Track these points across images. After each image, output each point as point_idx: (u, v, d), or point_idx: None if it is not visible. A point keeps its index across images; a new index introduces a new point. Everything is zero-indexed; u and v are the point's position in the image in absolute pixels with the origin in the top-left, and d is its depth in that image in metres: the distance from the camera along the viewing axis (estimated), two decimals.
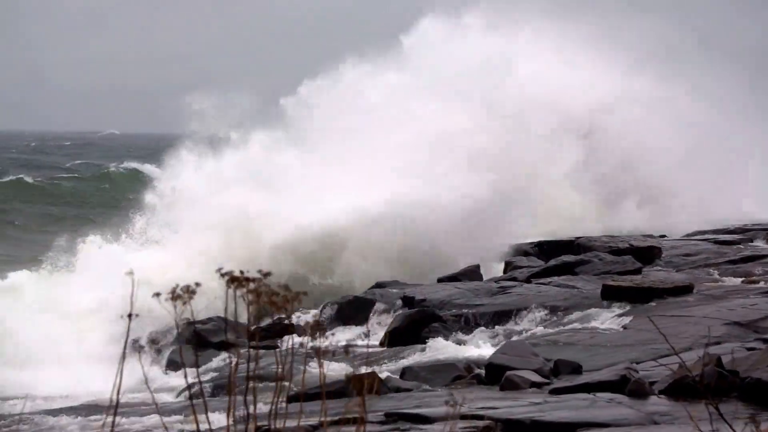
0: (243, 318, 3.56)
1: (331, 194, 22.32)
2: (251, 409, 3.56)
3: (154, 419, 11.15)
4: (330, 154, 24.66)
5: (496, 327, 14.85)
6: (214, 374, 14.26)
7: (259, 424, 3.63)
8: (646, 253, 19.00)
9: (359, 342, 15.67)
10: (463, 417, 8.26)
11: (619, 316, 14.10)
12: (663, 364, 10.29)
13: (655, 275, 17.04)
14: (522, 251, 20.57)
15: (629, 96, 30.33)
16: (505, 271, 19.04)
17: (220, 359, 15.08)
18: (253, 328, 3.50)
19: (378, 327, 16.01)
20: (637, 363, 10.87)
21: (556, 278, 16.99)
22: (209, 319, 15.76)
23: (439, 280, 18.39)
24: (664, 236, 23.12)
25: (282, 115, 27.21)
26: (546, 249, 20.53)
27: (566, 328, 14.01)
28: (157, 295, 3.44)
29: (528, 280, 17.09)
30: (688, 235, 23.39)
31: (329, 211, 21.76)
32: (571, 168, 27.16)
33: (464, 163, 23.74)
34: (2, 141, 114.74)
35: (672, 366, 9.54)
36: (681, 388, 9.02)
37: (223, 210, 22.17)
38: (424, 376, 11.81)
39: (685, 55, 31.95)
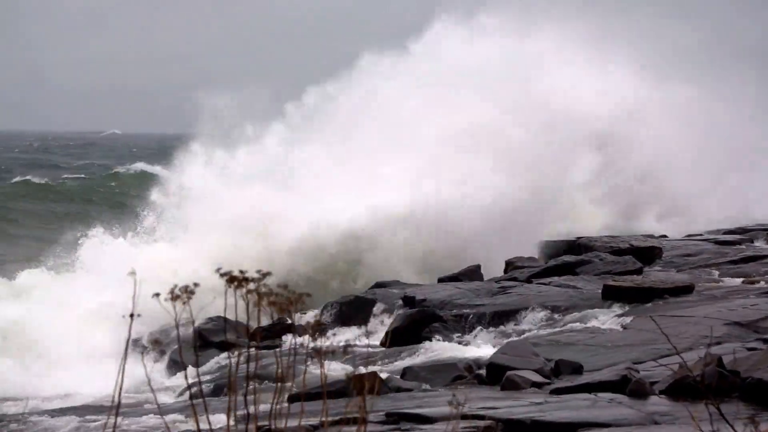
0: (246, 318, 3.55)
1: (352, 194, 21.96)
2: (252, 409, 3.55)
3: (154, 420, 11.14)
4: (347, 152, 24.35)
5: (497, 327, 14.84)
6: (215, 374, 14.27)
7: (259, 424, 3.63)
8: (647, 253, 19.01)
9: (360, 342, 15.65)
10: (464, 417, 8.25)
11: (620, 316, 14.08)
12: (664, 364, 10.27)
13: (656, 275, 17.04)
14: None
15: (647, 101, 29.53)
16: (505, 271, 19.03)
17: (220, 359, 15.07)
18: (254, 328, 3.50)
19: (379, 327, 16.01)
20: (638, 363, 10.86)
21: (556, 278, 16.99)
22: (210, 319, 15.75)
23: (440, 280, 18.38)
24: (664, 236, 23.11)
25: (298, 112, 26.88)
26: (546, 249, 20.51)
27: (567, 328, 13.98)
28: (157, 295, 3.43)
29: (528, 280, 17.08)
30: (688, 235, 23.37)
31: (350, 211, 21.44)
32: (588, 177, 26.21)
33: (490, 163, 23.32)
34: (3, 141, 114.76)
35: (673, 366, 9.53)
36: (682, 389, 9.01)
37: (237, 208, 21.91)
38: (424, 376, 11.81)
39: (693, 56, 31.57)
